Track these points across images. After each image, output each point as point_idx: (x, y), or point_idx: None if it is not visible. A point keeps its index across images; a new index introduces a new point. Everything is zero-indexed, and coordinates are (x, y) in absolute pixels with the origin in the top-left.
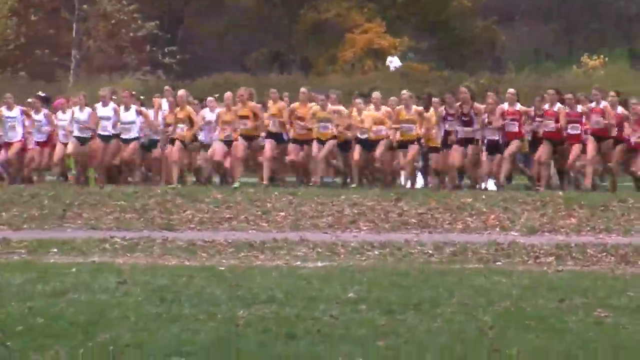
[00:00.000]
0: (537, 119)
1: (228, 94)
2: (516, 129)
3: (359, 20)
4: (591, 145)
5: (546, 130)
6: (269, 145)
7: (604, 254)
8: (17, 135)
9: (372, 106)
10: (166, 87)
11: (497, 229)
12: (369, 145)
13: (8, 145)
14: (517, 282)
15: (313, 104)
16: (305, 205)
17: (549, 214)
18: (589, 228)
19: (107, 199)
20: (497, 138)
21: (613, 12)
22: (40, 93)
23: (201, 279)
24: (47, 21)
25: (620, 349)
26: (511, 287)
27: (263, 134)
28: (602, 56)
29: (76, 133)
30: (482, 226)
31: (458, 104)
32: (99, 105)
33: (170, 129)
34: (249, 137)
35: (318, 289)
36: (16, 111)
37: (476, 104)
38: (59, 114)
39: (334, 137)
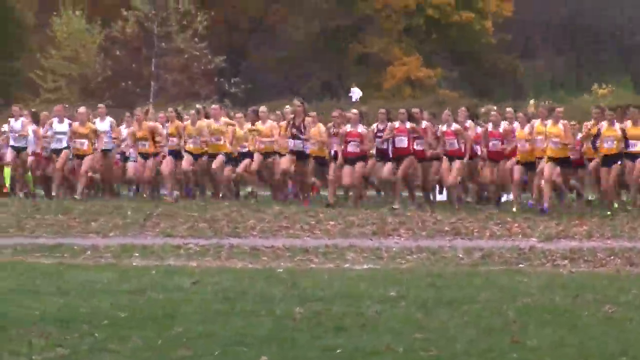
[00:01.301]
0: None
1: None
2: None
3: (399, 54)
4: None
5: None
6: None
7: (612, 257)
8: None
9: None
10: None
11: (519, 236)
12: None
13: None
14: (536, 282)
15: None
16: (353, 216)
17: (564, 223)
18: (598, 235)
19: (182, 210)
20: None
21: (616, 46)
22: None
23: (262, 280)
24: (130, 57)
25: (627, 341)
26: (531, 286)
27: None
28: (609, 85)
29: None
30: (506, 233)
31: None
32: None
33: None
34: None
35: (364, 288)
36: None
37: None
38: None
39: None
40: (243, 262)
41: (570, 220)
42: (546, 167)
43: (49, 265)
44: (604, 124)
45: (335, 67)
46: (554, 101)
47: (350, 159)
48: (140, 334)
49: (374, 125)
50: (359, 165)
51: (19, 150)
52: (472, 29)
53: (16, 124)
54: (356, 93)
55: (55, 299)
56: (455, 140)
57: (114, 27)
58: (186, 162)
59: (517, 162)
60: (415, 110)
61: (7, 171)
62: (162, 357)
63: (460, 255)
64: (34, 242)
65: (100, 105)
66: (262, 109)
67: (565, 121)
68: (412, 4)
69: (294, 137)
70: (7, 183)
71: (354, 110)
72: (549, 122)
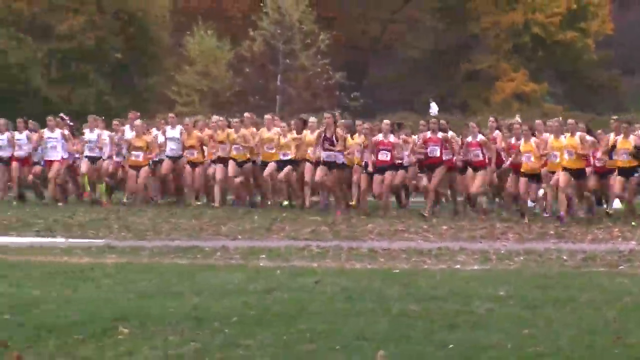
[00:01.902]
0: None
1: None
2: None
3: (507, 70)
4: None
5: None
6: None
7: None
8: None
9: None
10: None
11: (620, 240)
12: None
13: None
14: (637, 283)
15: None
16: (463, 220)
17: None
18: None
19: (306, 215)
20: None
21: None
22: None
23: (379, 280)
24: (257, 73)
25: None
26: (631, 287)
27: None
28: None
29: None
30: (608, 237)
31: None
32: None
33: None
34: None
35: (474, 288)
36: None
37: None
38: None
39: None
40: (361, 263)
41: None
42: (562, 177)
43: (184, 266)
44: (619, 138)
45: (447, 83)
46: None
47: (380, 168)
48: (267, 330)
49: (416, 136)
50: (388, 174)
51: (93, 160)
52: (575, 46)
53: (92, 135)
54: (434, 107)
55: (189, 298)
56: (480, 151)
57: (242, 46)
58: (231, 168)
59: (522, 174)
60: (442, 121)
61: (86, 179)
62: (288, 352)
63: (565, 258)
64: (169, 244)
65: (171, 114)
66: (312, 119)
67: (583, 133)
68: (519, 22)
69: (325, 148)
70: (87, 189)
71: (386, 121)
72: (567, 135)
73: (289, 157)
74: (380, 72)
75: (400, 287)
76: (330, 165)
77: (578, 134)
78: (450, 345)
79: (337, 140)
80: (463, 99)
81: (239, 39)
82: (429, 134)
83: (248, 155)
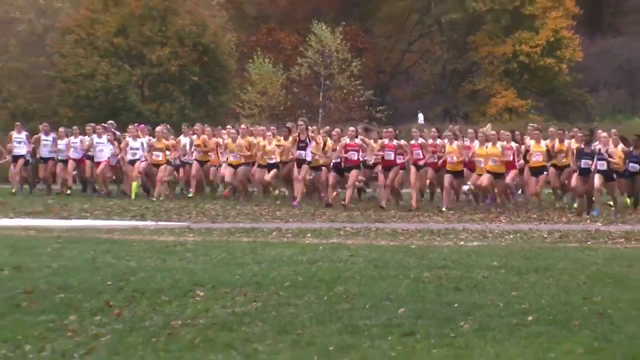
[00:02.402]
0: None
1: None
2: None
3: (499, 89)
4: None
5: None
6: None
7: None
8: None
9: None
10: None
11: (588, 222)
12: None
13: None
14: (601, 255)
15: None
16: (466, 207)
17: (621, 212)
18: None
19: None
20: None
21: None
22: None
23: (400, 253)
24: (304, 92)
25: None
26: (597, 258)
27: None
28: None
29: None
30: (579, 220)
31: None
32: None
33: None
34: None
35: (474, 259)
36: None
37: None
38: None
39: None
40: (385, 240)
41: (624, 211)
42: (596, 178)
43: (247, 243)
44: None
45: (452, 99)
46: (613, 123)
47: (388, 167)
48: (312, 293)
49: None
50: (393, 170)
51: (133, 163)
52: (553, 70)
53: (135, 143)
54: (421, 117)
55: (251, 267)
56: (420, 151)
57: (292, 71)
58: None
59: (447, 172)
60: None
61: (135, 185)
62: (329, 309)
63: (545, 235)
64: (235, 226)
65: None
66: (336, 130)
67: (504, 143)
68: (509, 52)
69: (298, 148)
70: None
71: (352, 128)
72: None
73: (273, 161)
74: (400, 90)
75: (416, 258)
76: (300, 161)
77: (499, 143)
78: (456, 304)
79: (310, 142)
80: (465, 112)
81: (289, 65)
82: (386, 141)
83: (243, 160)
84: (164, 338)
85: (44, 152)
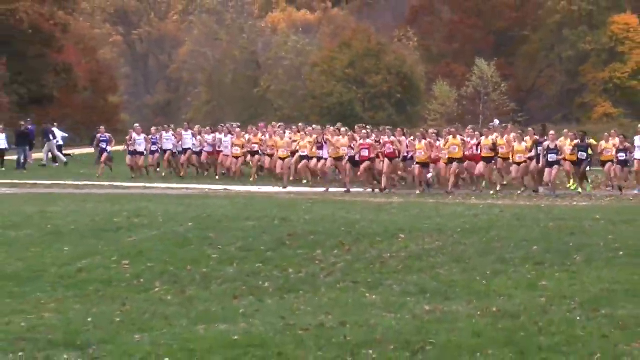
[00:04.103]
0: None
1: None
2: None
3: (600, 102)
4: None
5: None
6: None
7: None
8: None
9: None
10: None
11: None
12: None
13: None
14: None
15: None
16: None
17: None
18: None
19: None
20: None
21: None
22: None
23: (534, 210)
24: (469, 104)
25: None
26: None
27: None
28: None
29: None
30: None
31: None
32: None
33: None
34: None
35: (583, 214)
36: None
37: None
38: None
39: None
40: (524, 201)
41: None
42: (453, 166)
43: (433, 204)
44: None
45: (569, 108)
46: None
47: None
48: (476, 236)
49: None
50: (394, 161)
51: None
52: (637, 88)
53: (209, 137)
54: (496, 122)
55: (435, 219)
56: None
57: (462, 90)
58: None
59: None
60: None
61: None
62: (486, 247)
63: (631, 199)
64: (423, 193)
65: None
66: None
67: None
68: (606, 77)
69: (317, 148)
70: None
71: (364, 131)
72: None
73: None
74: (534, 103)
75: (544, 214)
76: (319, 158)
77: (458, 137)
78: (570, 244)
79: (326, 143)
80: (577, 117)
81: (460, 86)
82: (368, 140)
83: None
84: (378, 265)
85: None
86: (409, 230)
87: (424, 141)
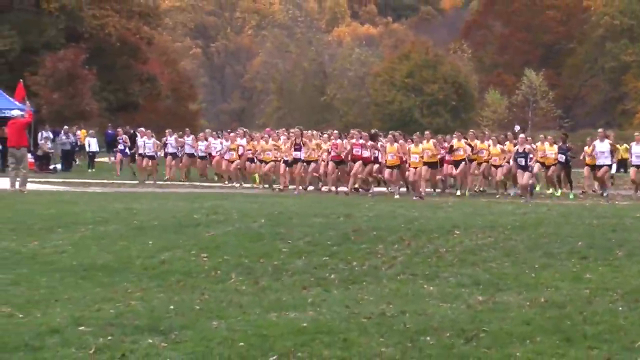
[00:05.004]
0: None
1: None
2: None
3: None
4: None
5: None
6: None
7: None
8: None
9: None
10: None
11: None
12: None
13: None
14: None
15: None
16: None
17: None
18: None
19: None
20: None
21: None
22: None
23: (578, 209)
24: (519, 110)
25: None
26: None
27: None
28: None
29: None
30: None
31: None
32: None
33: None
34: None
35: (625, 212)
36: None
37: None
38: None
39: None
40: (569, 201)
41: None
42: (423, 170)
43: (485, 202)
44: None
45: (612, 114)
46: None
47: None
48: (525, 232)
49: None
50: (369, 165)
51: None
52: None
53: (242, 141)
54: (517, 127)
55: (487, 216)
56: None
57: (512, 98)
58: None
59: (387, 167)
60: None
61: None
62: (535, 242)
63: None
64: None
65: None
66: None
67: (435, 140)
68: None
69: (295, 150)
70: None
71: (364, 133)
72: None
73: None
74: (578, 110)
75: (588, 212)
76: (295, 160)
77: (432, 141)
78: (613, 240)
79: (303, 145)
80: (619, 122)
81: (510, 95)
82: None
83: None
84: (434, 259)
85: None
86: (464, 227)
87: (395, 144)
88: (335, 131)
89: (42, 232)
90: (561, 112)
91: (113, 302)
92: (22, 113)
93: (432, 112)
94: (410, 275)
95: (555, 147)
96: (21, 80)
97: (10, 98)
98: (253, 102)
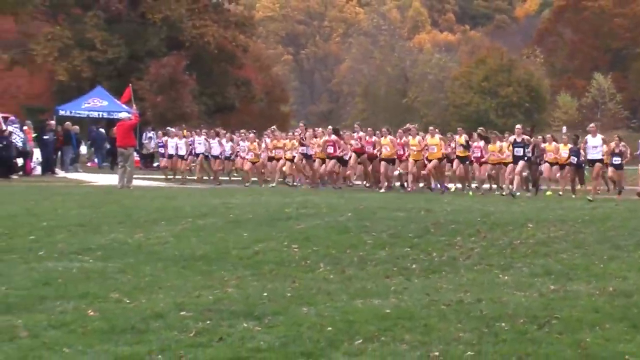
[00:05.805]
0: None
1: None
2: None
3: None
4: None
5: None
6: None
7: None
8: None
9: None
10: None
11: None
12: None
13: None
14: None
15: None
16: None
17: None
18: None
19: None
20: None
21: None
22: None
23: None
24: (588, 112)
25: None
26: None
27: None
28: None
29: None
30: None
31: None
32: None
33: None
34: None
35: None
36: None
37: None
38: None
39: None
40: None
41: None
42: (410, 164)
43: (554, 197)
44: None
45: None
46: None
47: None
48: (593, 225)
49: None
50: (362, 157)
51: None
52: None
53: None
54: (564, 129)
55: (557, 211)
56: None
57: (582, 101)
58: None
59: (382, 160)
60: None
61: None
62: (602, 235)
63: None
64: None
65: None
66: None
67: (421, 135)
68: None
69: (301, 145)
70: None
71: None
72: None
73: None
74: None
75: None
76: (305, 156)
77: (417, 137)
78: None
79: (306, 140)
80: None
81: (580, 97)
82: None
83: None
84: (509, 250)
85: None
86: (536, 220)
87: (389, 137)
88: (330, 127)
89: (147, 225)
90: (628, 113)
91: (211, 290)
92: (129, 115)
93: (507, 114)
94: (486, 266)
95: (569, 146)
96: (130, 84)
97: (117, 101)
98: (340, 104)
